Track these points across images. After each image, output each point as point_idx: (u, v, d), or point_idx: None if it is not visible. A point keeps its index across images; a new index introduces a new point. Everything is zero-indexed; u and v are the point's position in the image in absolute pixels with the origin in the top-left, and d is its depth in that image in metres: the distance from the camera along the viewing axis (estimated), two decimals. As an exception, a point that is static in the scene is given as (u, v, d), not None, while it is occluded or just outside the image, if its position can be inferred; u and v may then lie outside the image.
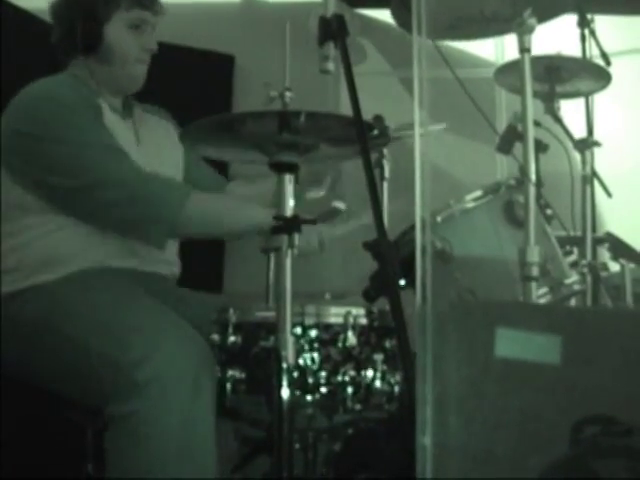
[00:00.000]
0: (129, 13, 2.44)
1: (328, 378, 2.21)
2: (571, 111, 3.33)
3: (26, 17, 3.58)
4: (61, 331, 2.17)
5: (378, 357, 2.26)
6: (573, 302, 2.70)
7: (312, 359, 2.21)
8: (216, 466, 2.09)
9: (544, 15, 2.50)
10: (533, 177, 2.34)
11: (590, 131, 3.43)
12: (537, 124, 2.77)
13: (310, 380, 2.20)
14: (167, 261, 2.49)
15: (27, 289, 2.26)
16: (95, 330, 2.14)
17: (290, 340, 1.97)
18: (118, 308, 2.19)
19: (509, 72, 3.06)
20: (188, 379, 2.04)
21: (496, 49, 4.06)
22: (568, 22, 3.41)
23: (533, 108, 2.36)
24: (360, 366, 2.24)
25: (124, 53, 2.44)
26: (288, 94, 2.24)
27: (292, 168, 2.05)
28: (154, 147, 2.55)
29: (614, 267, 3.19)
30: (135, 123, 2.54)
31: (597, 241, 3.25)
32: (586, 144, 3.23)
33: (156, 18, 2.49)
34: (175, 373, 2.03)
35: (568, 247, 2.94)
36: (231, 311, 2.25)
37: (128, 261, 2.35)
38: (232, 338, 2.24)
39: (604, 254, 3.35)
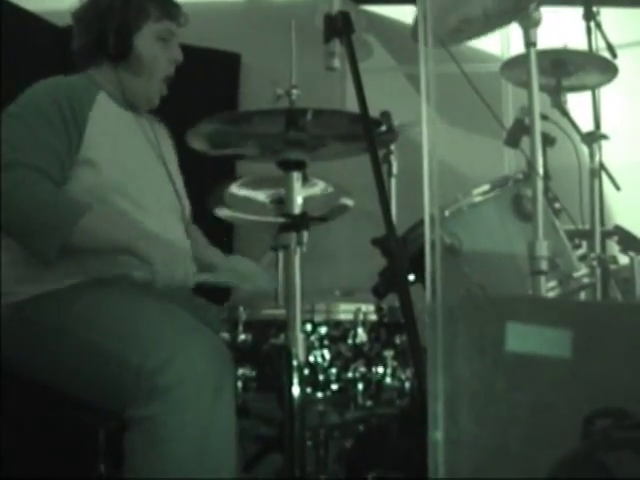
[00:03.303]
0: (158, 24, 2.44)
1: (339, 375, 2.21)
2: (578, 104, 3.33)
3: (27, 18, 3.58)
4: (78, 336, 2.16)
5: (388, 353, 2.26)
6: (583, 295, 2.69)
7: (322, 356, 2.21)
8: (236, 469, 2.09)
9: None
10: (541, 171, 2.34)
11: (597, 124, 3.43)
12: (544, 118, 2.77)
13: (321, 377, 2.20)
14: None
15: (44, 295, 2.26)
16: (114, 335, 2.13)
17: (300, 337, 1.97)
18: (137, 313, 2.18)
19: (515, 66, 3.05)
20: (209, 383, 2.03)
21: (502, 43, 4.05)
22: (574, 15, 3.41)
23: (540, 102, 2.36)
24: (370, 362, 2.24)
25: (153, 65, 2.44)
26: (295, 92, 2.24)
27: (300, 166, 2.05)
28: (166, 151, 2.57)
29: (623, 260, 3.19)
30: (150, 125, 2.55)
31: (606, 234, 3.24)
32: (593, 137, 3.22)
33: (179, 30, 2.50)
34: (196, 378, 2.02)
35: (577, 240, 2.94)
36: (241, 309, 2.26)
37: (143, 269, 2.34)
38: (242, 336, 2.25)
39: (613, 247, 3.35)
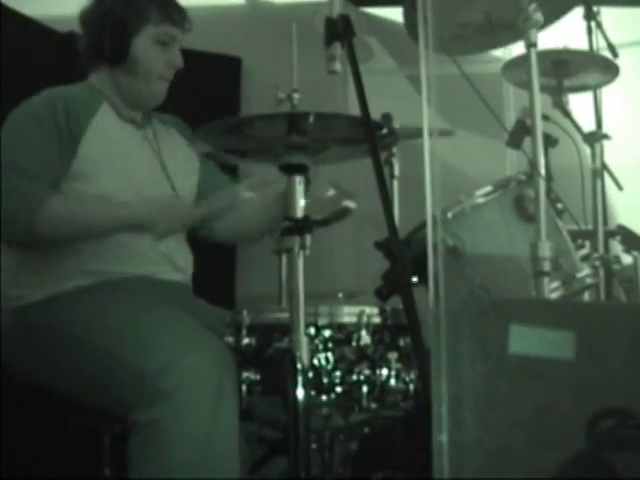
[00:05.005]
0: (158, 28, 2.44)
1: (343, 378, 2.21)
2: (579, 104, 3.32)
3: (28, 24, 3.59)
4: (81, 340, 2.17)
5: (392, 355, 2.26)
6: (586, 296, 2.69)
7: (326, 359, 2.21)
8: (239, 472, 2.09)
9: (551, 16, 2.50)
10: (543, 171, 2.34)
11: (599, 124, 3.42)
12: (546, 118, 2.77)
13: (325, 380, 2.20)
14: (181, 268, 2.49)
15: (46, 299, 2.26)
16: (117, 339, 2.13)
17: (304, 341, 1.97)
18: (139, 316, 2.18)
19: (516, 67, 3.06)
20: (212, 387, 2.04)
21: (503, 44, 4.05)
22: (574, 15, 3.41)
23: (541, 102, 2.36)
24: (374, 365, 2.24)
25: (149, 68, 2.45)
26: (296, 95, 2.25)
27: (302, 169, 2.05)
28: (171, 159, 2.55)
29: (627, 260, 3.18)
30: (154, 134, 2.55)
31: (609, 234, 3.24)
32: (595, 137, 3.23)
33: (183, 35, 2.50)
34: (199, 381, 2.03)
35: (580, 241, 2.93)
36: (244, 313, 2.26)
37: (144, 270, 2.35)
38: (246, 340, 2.24)
39: (616, 247, 3.35)
